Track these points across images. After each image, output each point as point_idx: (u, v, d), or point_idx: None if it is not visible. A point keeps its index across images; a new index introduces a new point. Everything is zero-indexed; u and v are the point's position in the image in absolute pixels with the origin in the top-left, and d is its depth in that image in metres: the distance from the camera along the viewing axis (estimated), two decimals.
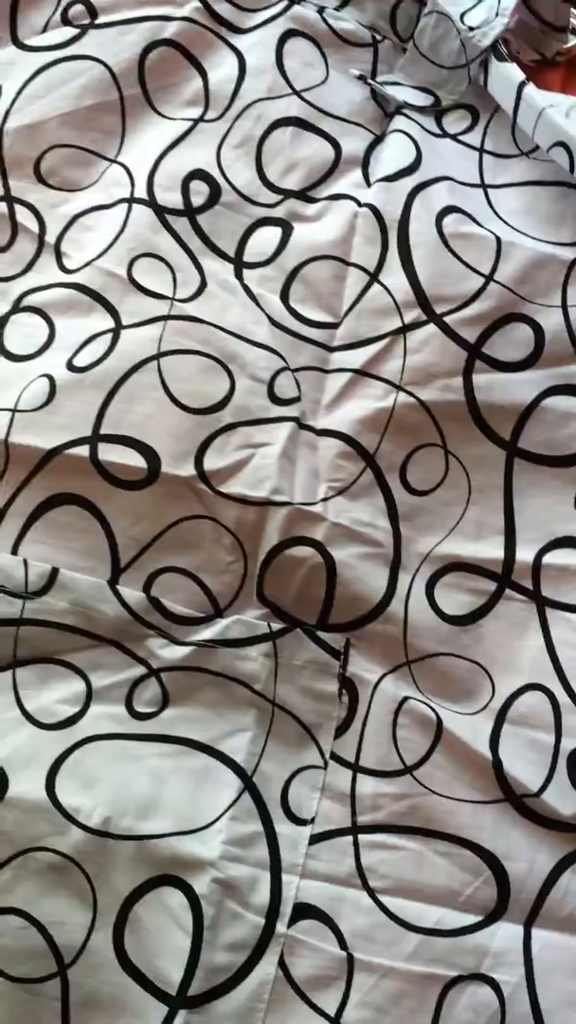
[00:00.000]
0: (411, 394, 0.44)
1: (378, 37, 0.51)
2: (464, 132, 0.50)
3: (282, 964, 0.37)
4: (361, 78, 0.50)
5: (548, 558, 0.44)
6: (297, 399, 0.44)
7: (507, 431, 0.45)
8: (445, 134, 0.50)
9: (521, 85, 0.48)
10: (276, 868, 0.38)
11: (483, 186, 0.49)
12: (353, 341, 0.45)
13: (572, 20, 0.53)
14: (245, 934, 0.37)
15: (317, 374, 0.45)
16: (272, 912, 0.38)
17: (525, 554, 0.44)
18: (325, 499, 0.42)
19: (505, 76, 0.48)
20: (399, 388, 0.44)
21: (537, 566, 0.43)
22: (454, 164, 0.49)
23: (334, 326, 0.45)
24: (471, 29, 0.49)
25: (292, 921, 0.38)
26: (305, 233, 0.46)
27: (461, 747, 0.41)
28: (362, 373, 0.44)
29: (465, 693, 0.42)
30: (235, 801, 0.39)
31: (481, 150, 0.50)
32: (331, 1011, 0.38)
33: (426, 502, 0.44)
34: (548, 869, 0.40)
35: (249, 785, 0.39)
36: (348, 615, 0.42)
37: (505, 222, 0.48)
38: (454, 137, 0.50)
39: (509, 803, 0.40)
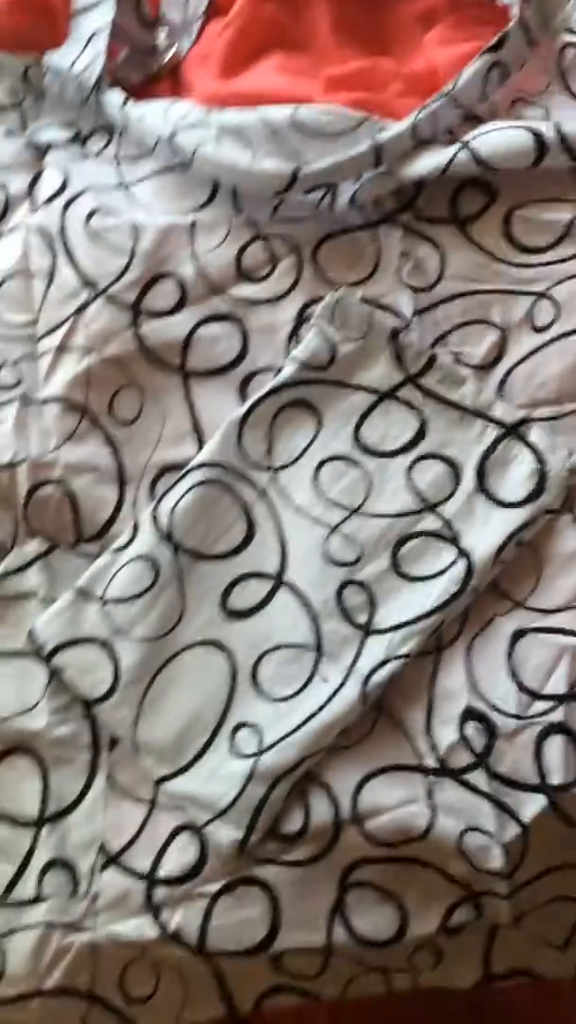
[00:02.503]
0: (99, 353, 0.58)
1: (20, 97, 0.66)
2: (103, 149, 0.65)
3: None
4: (9, 133, 0.64)
5: None
6: (18, 383, 0.58)
7: (177, 360, 0.59)
8: (88, 155, 0.65)
9: (124, 103, 0.62)
10: None
11: (123, 185, 0.63)
12: (49, 328, 0.59)
13: (158, 40, 0.67)
14: None
15: (30, 361, 0.59)
16: None
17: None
18: (57, 447, 0.57)
19: (111, 101, 0.63)
20: (89, 351, 0.58)
21: None
22: (96, 176, 0.63)
23: (34, 323, 0.60)
24: (80, 73, 0.64)
25: None
26: None
27: None
28: (61, 349, 0.59)
29: None
30: None
31: (117, 158, 0.64)
32: None
33: (135, 429, 0.58)
34: None
35: None
36: (95, 527, 0.56)
37: (143, 208, 0.62)
38: (96, 155, 0.65)
39: None
